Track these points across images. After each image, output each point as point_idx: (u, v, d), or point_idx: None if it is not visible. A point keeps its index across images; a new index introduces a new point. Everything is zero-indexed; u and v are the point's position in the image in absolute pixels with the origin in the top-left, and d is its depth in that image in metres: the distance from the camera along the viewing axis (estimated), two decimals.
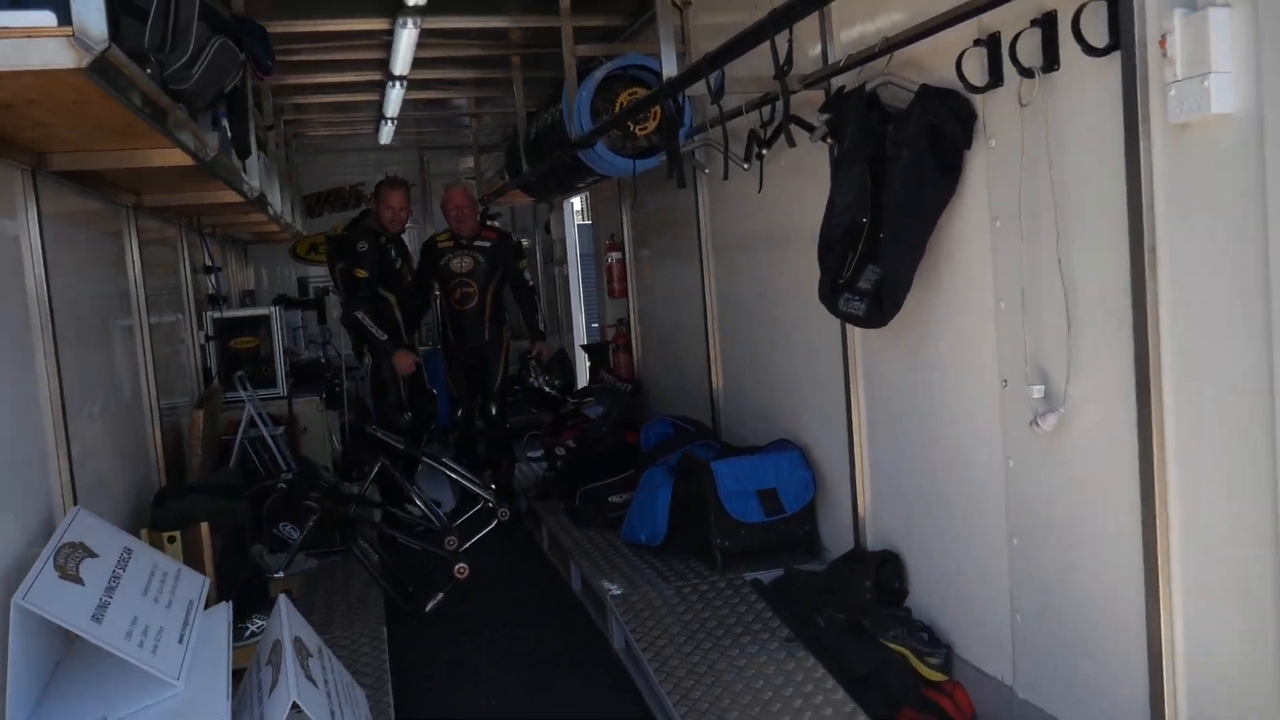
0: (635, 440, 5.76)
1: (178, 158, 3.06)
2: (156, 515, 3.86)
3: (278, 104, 7.27)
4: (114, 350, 4.20)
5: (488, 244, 6.09)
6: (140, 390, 4.57)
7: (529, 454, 7.13)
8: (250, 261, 9.41)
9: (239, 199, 4.47)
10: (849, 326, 3.74)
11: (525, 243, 10.52)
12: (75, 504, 3.24)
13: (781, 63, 2.67)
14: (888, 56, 3.11)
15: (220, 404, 5.47)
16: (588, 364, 7.20)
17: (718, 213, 5.03)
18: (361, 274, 5.63)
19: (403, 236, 6.06)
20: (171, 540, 3.72)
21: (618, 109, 4.79)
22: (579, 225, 9.07)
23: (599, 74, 4.84)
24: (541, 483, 6.05)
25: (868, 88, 3.20)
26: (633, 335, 6.67)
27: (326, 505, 4.21)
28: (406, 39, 5.39)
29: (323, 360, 8.70)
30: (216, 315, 6.18)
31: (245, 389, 5.66)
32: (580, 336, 8.55)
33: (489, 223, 6.34)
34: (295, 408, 6.30)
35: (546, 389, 6.02)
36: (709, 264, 5.22)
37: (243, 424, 5.30)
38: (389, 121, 8.13)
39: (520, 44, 6.32)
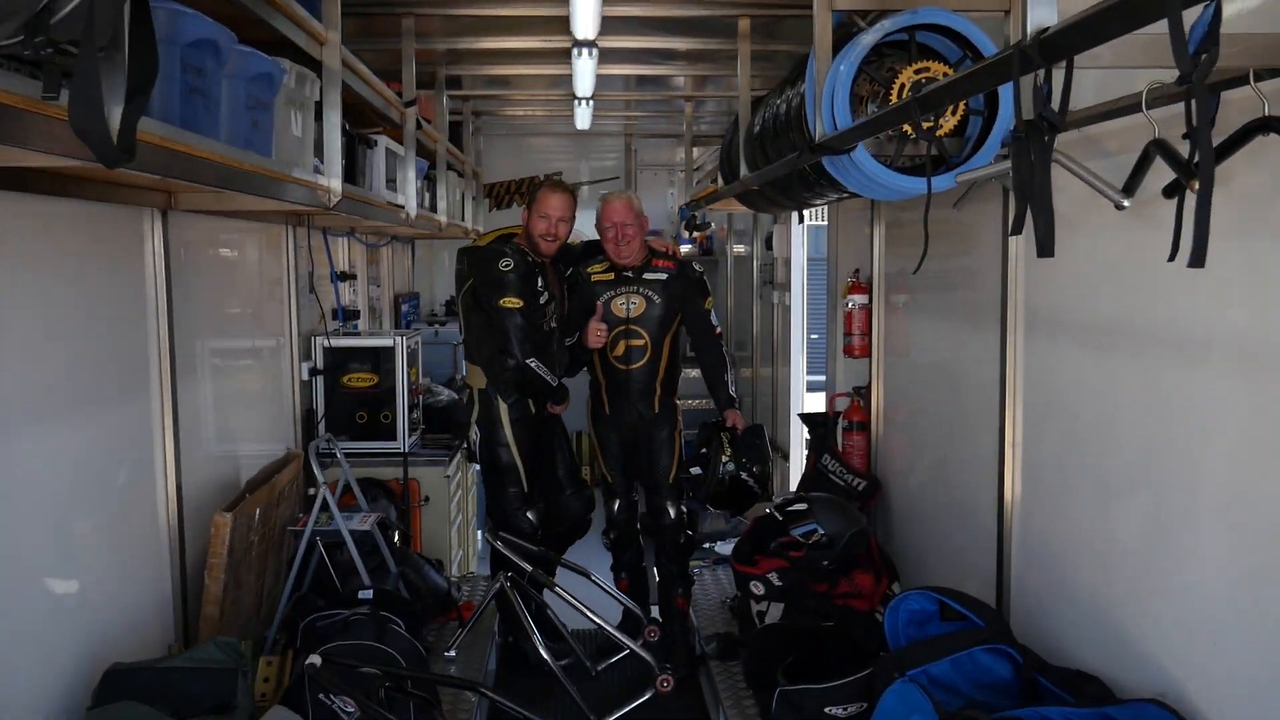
0: (870, 586, 3.93)
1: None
2: None
3: (447, 74, 5.83)
4: (87, 423, 2.77)
5: (663, 277, 4.38)
6: (151, 477, 3.14)
7: (718, 546, 5.41)
8: (419, 259, 8.05)
9: (281, 205, 2.95)
10: None
11: (740, 249, 8.79)
12: None
13: None
14: None
15: (292, 483, 4.01)
16: (805, 438, 5.35)
17: (1046, 270, 3.10)
18: (512, 303, 4.04)
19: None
20: None
21: (897, 96, 2.95)
22: (810, 227, 7.09)
23: (867, 38, 3.00)
24: (729, 627, 4.29)
25: None
26: (872, 412, 4.80)
27: (372, 710, 2.61)
28: None
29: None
30: (328, 344, 4.76)
31: (328, 453, 4.18)
32: (797, 397, 6.66)
33: (663, 249, 4.56)
34: (416, 472, 4.83)
35: (744, 476, 4.23)
36: (1017, 340, 3.31)
37: (314, 512, 3.82)
38: (583, 103, 6.56)
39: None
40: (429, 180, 5.46)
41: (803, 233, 6.49)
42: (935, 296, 4.20)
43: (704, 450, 4.26)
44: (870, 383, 4.80)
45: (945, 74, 2.98)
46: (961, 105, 3.03)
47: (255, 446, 4.13)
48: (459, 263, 4.22)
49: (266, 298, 4.37)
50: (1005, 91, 3.01)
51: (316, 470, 3.83)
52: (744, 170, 4.67)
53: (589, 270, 4.40)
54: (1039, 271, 3.16)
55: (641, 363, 4.32)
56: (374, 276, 6.43)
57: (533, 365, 4.04)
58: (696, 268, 4.45)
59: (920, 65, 2.98)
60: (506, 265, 4.01)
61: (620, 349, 4.33)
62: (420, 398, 5.23)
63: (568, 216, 4.21)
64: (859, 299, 4.73)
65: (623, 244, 4.28)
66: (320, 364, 4.76)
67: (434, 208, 5.57)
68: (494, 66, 5.93)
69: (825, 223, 5.95)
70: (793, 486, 6.61)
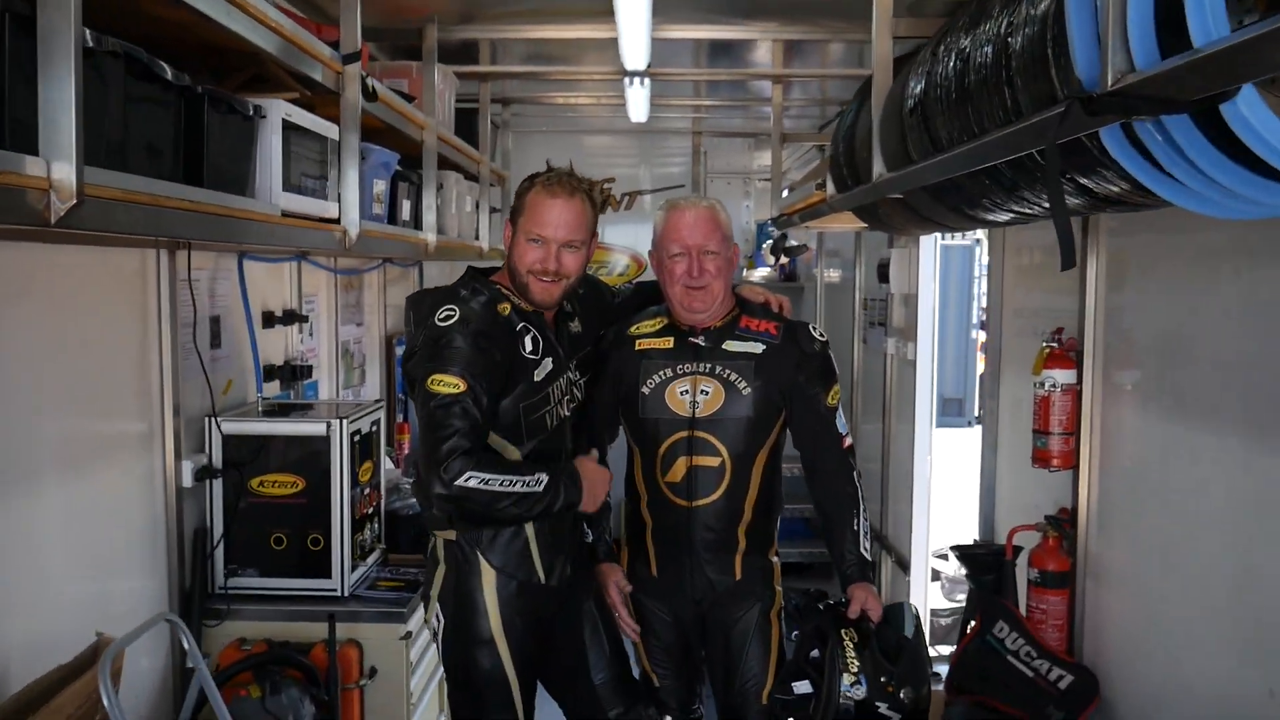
0: None
1: None
2: None
3: (451, 38, 4.19)
4: None
5: (758, 348, 2.62)
6: None
7: None
8: (430, 282, 6.35)
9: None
10: None
11: (833, 275, 6.98)
12: None
13: None
14: None
15: (83, 709, 2.31)
16: (963, 586, 3.57)
17: None
18: (448, 384, 2.25)
19: (572, 319, 2.70)
20: None
21: None
22: (946, 247, 5.14)
23: None
24: None
25: None
26: (1080, 558, 2.99)
27: None
28: None
29: None
30: (229, 427, 3.12)
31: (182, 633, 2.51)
32: (922, 478, 4.80)
33: (760, 300, 2.78)
34: (359, 630, 3.15)
35: (884, 709, 2.41)
36: None
37: None
38: (636, 81, 4.87)
39: None
40: (408, 183, 3.80)
41: (935, 261, 4.69)
42: (1223, 381, 2.40)
43: (814, 654, 2.48)
44: (1077, 510, 3.00)
45: None
46: None
47: (47, 629, 2.47)
48: (406, 321, 2.53)
49: (104, 363, 2.74)
50: None
51: (106, 695, 2.13)
52: (878, 166, 2.91)
53: (634, 332, 2.68)
54: None
55: (714, 496, 2.56)
56: (352, 311, 4.79)
57: (473, 484, 2.18)
58: (817, 334, 2.69)
59: None
60: (448, 318, 2.30)
61: (678, 471, 2.57)
62: (379, 502, 3.55)
63: (580, 238, 2.45)
64: (1061, 376, 2.93)
65: (697, 286, 2.55)
66: (217, 460, 3.11)
67: (417, 222, 3.90)
68: (513, 26, 4.27)
69: (974, 239, 4.16)
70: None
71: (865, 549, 2.59)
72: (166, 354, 2.94)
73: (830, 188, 3.69)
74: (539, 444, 2.42)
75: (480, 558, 2.39)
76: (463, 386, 2.21)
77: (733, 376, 2.57)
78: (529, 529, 2.41)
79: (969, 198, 2.51)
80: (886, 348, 5.19)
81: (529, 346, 2.40)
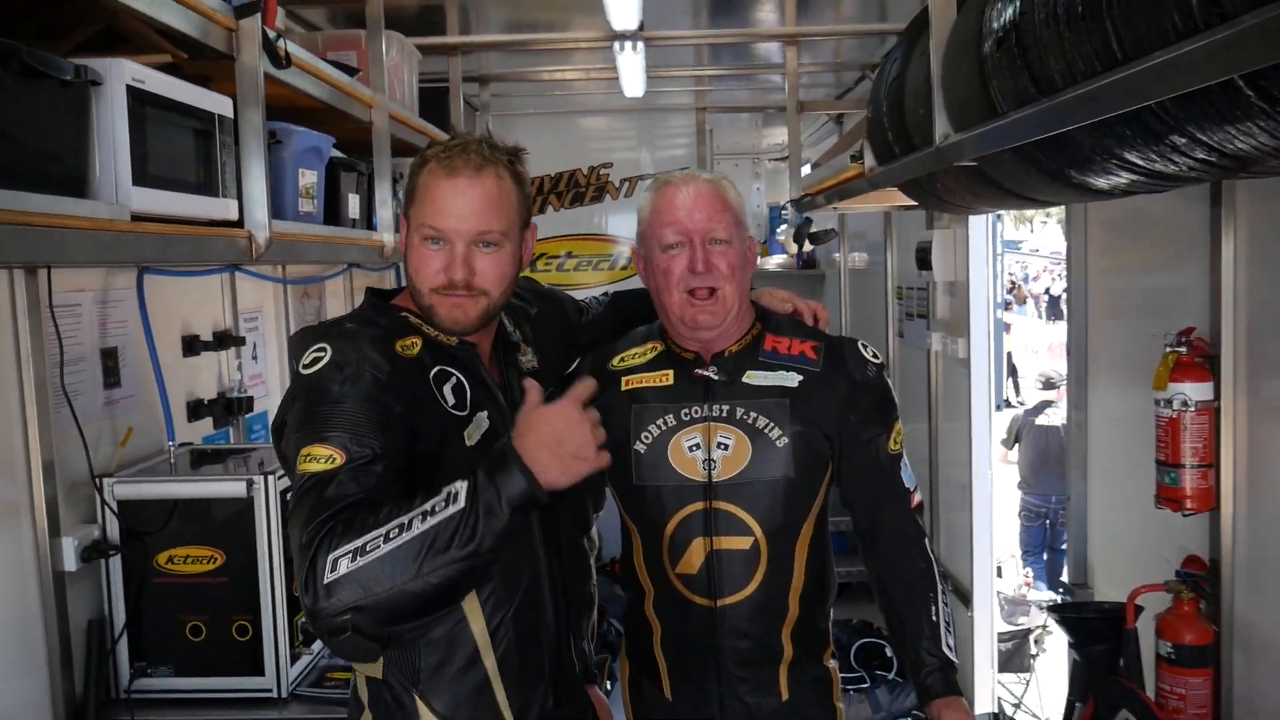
0: None
1: None
2: None
3: (396, 3, 3.51)
4: None
5: (793, 381, 1.88)
6: None
7: None
8: None
9: None
10: None
11: (858, 259, 6.28)
12: None
13: None
14: None
15: None
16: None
17: None
18: (322, 460, 1.45)
19: (523, 351, 1.90)
20: None
21: None
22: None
23: None
24: None
25: None
26: (1225, 626, 2.30)
27: None
28: None
29: None
30: (125, 490, 2.46)
31: None
32: (982, 500, 4.08)
33: (786, 309, 2.06)
34: None
35: None
36: None
37: None
38: (628, 46, 4.18)
39: None
40: (356, 174, 3.11)
41: (988, 244, 3.98)
42: None
43: None
44: (1220, 564, 2.31)
45: None
46: None
47: None
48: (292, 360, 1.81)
49: None
50: None
51: None
52: (942, 126, 2.23)
53: (617, 365, 1.98)
54: None
55: (747, 591, 1.85)
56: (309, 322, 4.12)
57: (343, 570, 1.32)
58: (869, 355, 1.97)
59: None
60: (315, 361, 1.56)
61: (694, 559, 1.86)
62: None
63: (498, 228, 1.66)
64: (1195, 391, 2.24)
65: (704, 288, 1.85)
66: (113, 533, 2.45)
67: (367, 220, 3.23)
68: None
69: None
70: (978, 685, 4.04)
71: (948, 646, 1.90)
72: (30, 402, 2.28)
73: (869, 159, 3.00)
74: None
75: (418, 703, 1.68)
76: (339, 459, 1.45)
77: (760, 421, 1.86)
78: (489, 657, 1.72)
79: (1082, 156, 1.82)
80: (930, 344, 4.49)
81: (450, 398, 1.69)
